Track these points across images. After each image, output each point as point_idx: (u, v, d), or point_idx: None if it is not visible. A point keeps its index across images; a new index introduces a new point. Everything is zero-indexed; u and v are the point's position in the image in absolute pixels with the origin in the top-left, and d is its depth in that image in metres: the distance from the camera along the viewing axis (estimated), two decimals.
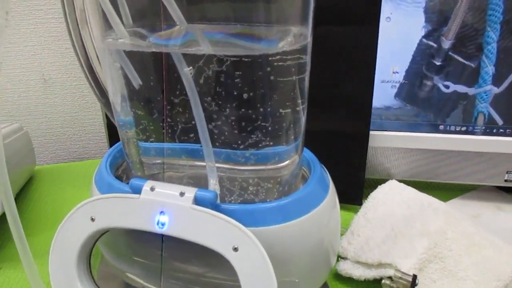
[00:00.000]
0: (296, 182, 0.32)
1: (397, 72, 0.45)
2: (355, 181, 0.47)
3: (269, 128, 0.28)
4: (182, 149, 0.29)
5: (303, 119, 0.30)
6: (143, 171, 0.31)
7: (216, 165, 0.28)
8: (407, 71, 0.45)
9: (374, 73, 0.42)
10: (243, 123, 0.27)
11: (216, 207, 0.25)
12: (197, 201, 0.25)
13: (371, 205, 0.43)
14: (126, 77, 0.28)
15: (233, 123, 0.27)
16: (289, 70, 0.27)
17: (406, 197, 0.44)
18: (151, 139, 0.30)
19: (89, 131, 0.63)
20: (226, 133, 0.27)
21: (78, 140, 0.63)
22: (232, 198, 0.29)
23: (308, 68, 0.29)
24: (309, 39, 0.28)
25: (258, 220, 0.26)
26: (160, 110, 0.28)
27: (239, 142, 0.28)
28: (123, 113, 0.30)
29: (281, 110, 0.28)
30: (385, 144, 0.48)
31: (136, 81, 0.28)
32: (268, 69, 0.26)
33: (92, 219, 0.27)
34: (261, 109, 0.27)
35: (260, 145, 0.28)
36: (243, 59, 0.26)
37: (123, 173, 0.34)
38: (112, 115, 0.32)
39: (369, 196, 0.44)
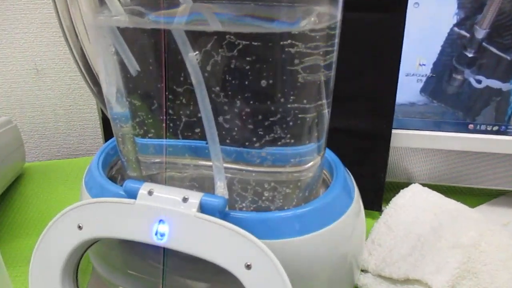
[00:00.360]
0: (317, 187, 0.30)
1: (424, 65, 0.43)
2: (374, 185, 0.44)
3: (290, 123, 0.25)
4: (185, 147, 0.27)
5: (327, 114, 0.28)
6: (140, 171, 0.29)
7: (225, 165, 0.26)
8: (435, 64, 0.43)
9: (398, 66, 0.40)
10: (259, 117, 0.25)
11: (225, 216, 0.24)
12: (203, 208, 0.23)
13: (393, 211, 0.41)
14: (121, 63, 0.26)
15: (246, 117, 0.25)
16: (312, 55, 0.25)
17: (432, 203, 0.41)
18: (149, 135, 0.28)
19: (84, 126, 0.62)
20: (238, 128, 0.25)
21: (72, 135, 0.62)
22: (244, 205, 0.28)
23: (335, 55, 0.27)
24: (339, 18, 0.25)
25: (275, 232, 0.25)
26: (161, 101, 0.26)
27: (253, 139, 0.26)
28: (117, 105, 0.28)
29: (304, 102, 0.25)
30: (407, 144, 0.46)
31: (133, 67, 0.26)
32: (289, 52, 0.24)
33: (80, 227, 0.25)
34: (281, 101, 0.25)
35: (278, 143, 0.26)
36: (257, 43, 0.23)
37: (118, 173, 0.33)
38: (105, 107, 0.30)
39: (390, 202, 0.42)
